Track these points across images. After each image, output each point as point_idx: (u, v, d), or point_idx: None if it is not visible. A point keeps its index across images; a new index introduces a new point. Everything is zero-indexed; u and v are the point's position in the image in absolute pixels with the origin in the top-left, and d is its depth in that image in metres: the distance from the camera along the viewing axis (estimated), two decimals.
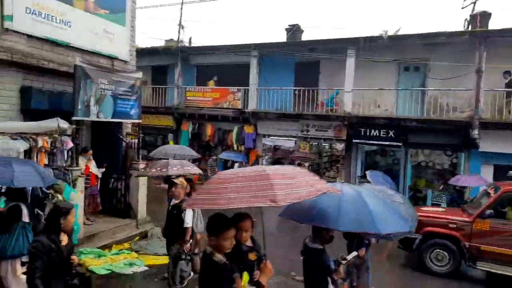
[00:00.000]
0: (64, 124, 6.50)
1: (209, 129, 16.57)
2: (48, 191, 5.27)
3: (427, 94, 12.33)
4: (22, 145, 6.32)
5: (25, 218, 4.54)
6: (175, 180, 5.58)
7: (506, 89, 10.67)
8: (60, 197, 5.37)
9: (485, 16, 11.98)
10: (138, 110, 8.55)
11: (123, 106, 8.10)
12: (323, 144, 14.62)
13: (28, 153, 6.41)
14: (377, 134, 12.45)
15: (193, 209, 5.35)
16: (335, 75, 13.72)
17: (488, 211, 6.92)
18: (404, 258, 8.05)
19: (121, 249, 7.34)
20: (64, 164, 6.82)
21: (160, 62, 18.13)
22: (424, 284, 7.06)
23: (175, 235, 5.33)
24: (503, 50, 10.76)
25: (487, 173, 10.77)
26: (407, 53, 12.39)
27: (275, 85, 14.79)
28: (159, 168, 6.59)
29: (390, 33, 12.17)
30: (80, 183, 6.99)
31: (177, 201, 5.40)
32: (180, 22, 17.95)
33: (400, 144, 12.19)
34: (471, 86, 11.00)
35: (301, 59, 14.66)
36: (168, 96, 17.75)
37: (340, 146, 13.92)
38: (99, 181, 8.39)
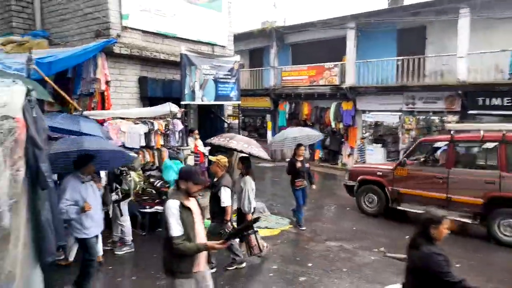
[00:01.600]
0: (174, 108, 7.22)
1: (305, 108, 16.53)
2: (122, 169, 5.95)
3: None
4: (142, 129, 7.26)
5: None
6: (211, 158, 5.43)
7: None
8: (133, 174, 6.02)
9: None
10: (237, 93, 8.99)
11: (223, 89, 8.61)
12: (432, 117, 13.31)
13: (147, 135, 7.35)
14: (500, 103, 10.82)
15: (230, 188, 5.24)
16: (445, 39, 12.27)
17: (404, 159, 8.00)
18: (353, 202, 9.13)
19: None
20: (177, 144, 7.62)
21: (256, 45, 18.59)
22: (358, 220, 8.28)
23: (215, 214, 5.34)
24: None
25: None
26: None
27: (375, 57, 13.89)
28: (222, 139, 6.38)
29: None
30: (190, 160, 7.74)
31: (215, 179, 5.34)
32: (274, 3, 18.07)
33: None
34: None
35: (404, 26, 13.43)
36: (265, 78, 18.17)
37: (453, 119, 12.49)
38: (206, 159, 9.14)
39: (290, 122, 17.39)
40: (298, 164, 7.49)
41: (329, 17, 15.15)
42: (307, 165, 7.73)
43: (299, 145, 7.59)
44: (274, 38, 17.37)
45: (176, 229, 2.98)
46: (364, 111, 14.80)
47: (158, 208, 6.91)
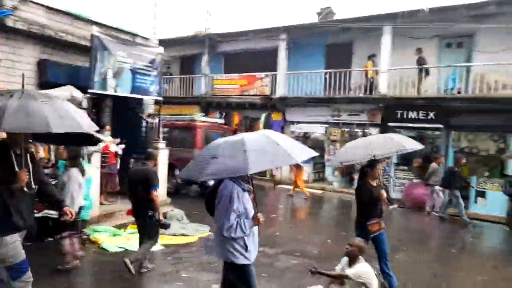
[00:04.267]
0: (78, 94, 6.23)
1: (236, 118, 16.15)
2: None
3: (472, 72, 11.17)
4: None
5: None
6: None
7: None
8: None
9: None
10: (158, 87, 8.21)
11: (142, 81, 7.77)
12: (356, 130, 13.74)
13: None
14: (416, 117, 11.47)
15: None
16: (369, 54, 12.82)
17: None
18: None
19: None
20: None
21: (188, 52, 17.98)
22: None
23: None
24: None
25: None
26: (450, 28, 11.25)
27: (305, 69, 14.11)
28: None
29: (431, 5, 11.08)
30: (96, 158, 6.71)
31: None
32: (208, 10, 17.72)
33: (442, 126, 11.14)
34: None
35: (333, 41, 13.89)
36: (196, 86, 17.56)
37: (374, 132, 12.98)
38: (118, 161, 8.13)
39: None
40: (377, 192, 4.61)
41: (261, 27, 15.16)
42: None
43: (375, 162, 4.59)
44: (207, 45, 16.94)
45: None
46: (293, 122, 14.86)
47: (49, 212, 5.78)
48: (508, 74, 10.38)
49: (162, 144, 8.35)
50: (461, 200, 9.41)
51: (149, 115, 9.11)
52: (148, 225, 4.98)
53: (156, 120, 8.77)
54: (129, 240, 6.40)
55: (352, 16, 12.66)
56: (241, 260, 3.19)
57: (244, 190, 3.22)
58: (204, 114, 14.22)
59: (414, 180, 11.99)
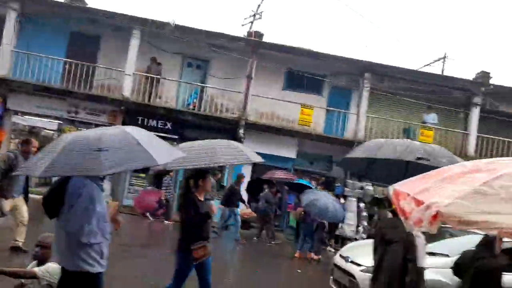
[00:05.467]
0: None
1: None
2: None
3: (206, 93, 12.70)
4: None
5: None
6: None
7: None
8: None
9: (259, 35, 13.42)
10: None
11: None
12: None
13: None
14: (155, 125, 11.87)
15: None
16: (117, 54, 12.34)
17: None
18: None
19: None
20: None
21: None
22: None
23: None
24: (270, 64, 12.23)
25: (247, 171, 11.90)
26: (192, 49, 12.43)
27: (40, 52, 11.98)
28: None
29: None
30: None
31: None
32: None
33: (177, 137, 11.98)
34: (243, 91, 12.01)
35: (79, 29, 12.55)
36: None
37: None
38: None
39: None
40: (205, 208, 3.99)
41: None
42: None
43: (204, 173, 4.01)
44: None
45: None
46: (16, 112, 12.28)
47: None
48: (230, 99, 12.43)
49: None
50: (238, 218, 9.70)
51: None
52: None
53: None
54: None
55: (102, 8, 11.90)
56: (97, 268, 2.94)
57: (102, 190, 3.07)
58: None
59: (148, 187, 12.28)
